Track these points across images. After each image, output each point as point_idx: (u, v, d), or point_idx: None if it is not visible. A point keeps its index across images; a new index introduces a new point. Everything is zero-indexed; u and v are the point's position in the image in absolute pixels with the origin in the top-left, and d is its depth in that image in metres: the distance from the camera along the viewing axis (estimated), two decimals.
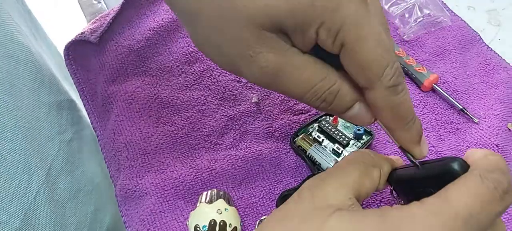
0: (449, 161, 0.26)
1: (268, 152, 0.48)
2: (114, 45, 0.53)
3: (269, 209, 0.45)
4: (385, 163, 0.30)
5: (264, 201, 0.45)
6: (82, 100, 0.55)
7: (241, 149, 0.48)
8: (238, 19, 0.25)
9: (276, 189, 0.45)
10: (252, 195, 0.45)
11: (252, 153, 0.47)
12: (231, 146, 0.48)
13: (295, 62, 0.27)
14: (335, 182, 0.27)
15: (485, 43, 0.55)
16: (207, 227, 0.40)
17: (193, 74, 0.52)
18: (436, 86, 0.50)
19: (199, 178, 0.45)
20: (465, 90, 0.51)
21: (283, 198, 0.43)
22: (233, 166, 0.46)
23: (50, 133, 0.48)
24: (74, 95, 0.58)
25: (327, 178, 0.28)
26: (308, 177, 0.45)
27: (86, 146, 0.57)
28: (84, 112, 0.58)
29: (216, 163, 0.46)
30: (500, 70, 0.52)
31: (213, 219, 0.40)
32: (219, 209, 0.41)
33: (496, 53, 0.54)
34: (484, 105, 0.50)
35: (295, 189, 0.45)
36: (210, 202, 0.42)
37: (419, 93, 0.51)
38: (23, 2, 0.56)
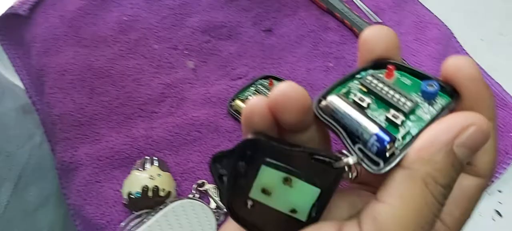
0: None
1: (206, 117, 0.48)
2: (45, 16, 0.51)
3: (206, 173, 0.45)
4: None
5: (202, 165, 0.46)
6: (19, 75, 0.53)
7: (178, 116, 0.48)
8: None
9: (213, 153, 0.46)
10: (189, 160, 0.46)
11: (189, 119, 0.47)
12: (168, 113, 0.48)
13: None
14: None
15: (419, 1, 0.56)
16: (140, 193, 0.40)
17: (128, 43, 0.51)
18: None
19: (135, 147, 0.45)
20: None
21: (216, 159, 0.44)
22: (170, 133, 0.46)
23: (20, 140, 0.47)
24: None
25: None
26: (244, 141, 0.45)
27: None
28: None
29: (152, 131, 0.46)
30: (432, 27, 0.53)
31: (145, 185, 0.41)
32: (151, 175, 0.41)
33: (429, 10, 0.55)
34: (416, 62, 0.51)
35: (229, 152, 0.46)
36: (143, 169, 0.42)
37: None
38: None
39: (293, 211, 0.20)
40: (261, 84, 0.49)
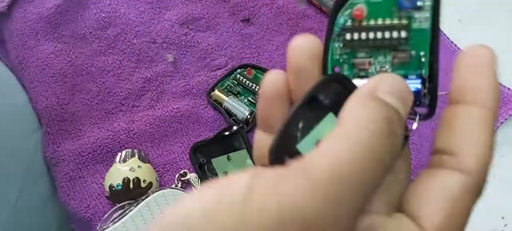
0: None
1: (186, 108, 0.48)
2: (23, 12, 0.52)
3: (188, 163, 0.46)
4: None
5: (184, 155, 0.46)
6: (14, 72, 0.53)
7: (158, 109, 0.48)
8: None
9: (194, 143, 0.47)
10: (171, 152, 0.46)
11: (170, 111, 0.48)
12: (148, 106, 0.49)
13: None
14: None
15: None
16: (121, 185, 0.41)
17: (107, 39, 0.51)
18: None
19: (116, 141, 0.46)
20: None
21: (196, 149, 0.44)
22: (151, 126, 0.47)
23: (25, 133, 0.46)
24: None
25: None
26: (222, 130, 0.46)
27: None
28: None
29: (133, 124, 0.47)
30: None
31: (126, 177, 0.41)
32: (132, 167, 0.42)
33: None
34: None
35: (208, 141, 0.46)
36: (124, 161, 0.43)
37: None
38: None
39: None
40: (240, 74, 0.50)
